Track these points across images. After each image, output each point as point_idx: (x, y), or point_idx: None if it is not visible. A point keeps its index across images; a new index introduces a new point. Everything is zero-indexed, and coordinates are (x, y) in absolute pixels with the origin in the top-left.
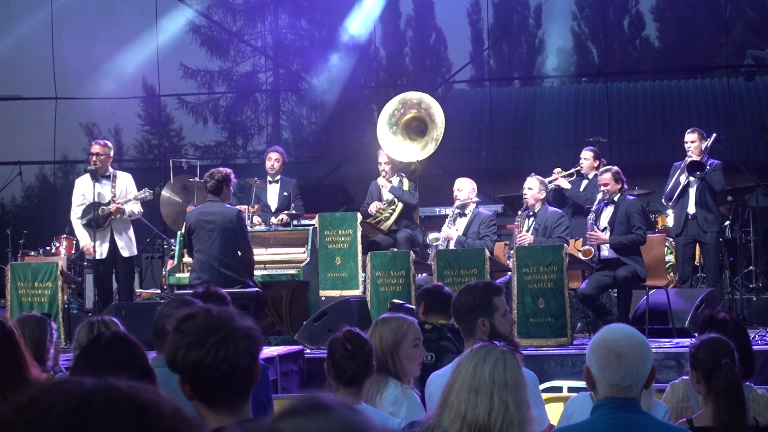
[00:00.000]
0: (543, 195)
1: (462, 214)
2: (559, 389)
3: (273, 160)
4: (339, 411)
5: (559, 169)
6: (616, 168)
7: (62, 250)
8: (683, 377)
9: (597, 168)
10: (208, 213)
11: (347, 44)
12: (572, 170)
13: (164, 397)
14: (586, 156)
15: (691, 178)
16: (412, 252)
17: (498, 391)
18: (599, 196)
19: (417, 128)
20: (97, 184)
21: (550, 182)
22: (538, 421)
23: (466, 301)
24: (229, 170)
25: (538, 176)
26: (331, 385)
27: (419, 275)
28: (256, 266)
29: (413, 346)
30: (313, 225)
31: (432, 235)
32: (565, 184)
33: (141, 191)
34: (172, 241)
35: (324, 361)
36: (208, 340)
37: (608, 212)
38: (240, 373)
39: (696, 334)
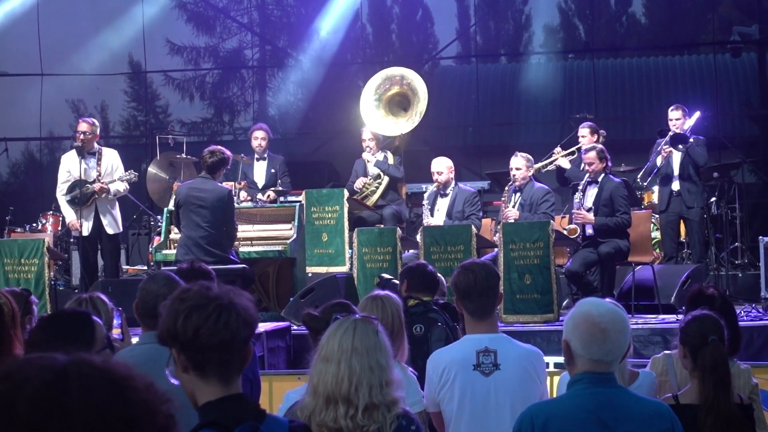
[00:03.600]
0: (531, 172)
1: (443, 194)
2: (546, 364)
3: (259, 139)
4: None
5: (559, 149)
6: (600, 146)
7: (48, 227)
8: (665, 351)
9: (597, 143)
10: (200, 190)
11: (333, 20)
12: (572, 149)
13: (137, 371)
14: (584, 133)
15: (674, 153)
16: (398, 228)
17: (345, 358)
18: (586, 175)
19: (400, 104)
20: (83, 161)
21: (550, 162)
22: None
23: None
24: (229, 153)
25: (522, 153)
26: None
27: (406, 251)
28: (243, 242)
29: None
30: (300, 201)
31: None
32: (565, 163)
33: (126, 173)
34: (159, 217)
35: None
36: (209, 305)
37: (593, 192)
38: (239, 342)
39: (683, 308)
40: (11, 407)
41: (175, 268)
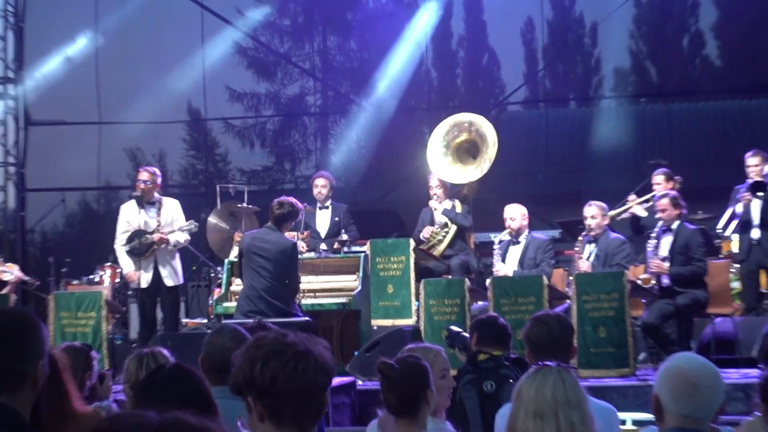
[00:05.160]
0: (606, 221)
1: (515, 242)
2: (622, 422)
3: (320, 186)
4: None
5: (633, 196)
6: (674, 192)
7: (106, 279)
8: (757, 413)
9: (672, 190)
10: (263, 240)
11: (397, 65)
12: (647, 196)
13: None
14: (658, 180)
15: (754, 201)
16: (467, 279)
17: (562, 411)
18: (659, 223)
19: (468, 151)
20: (142, 210)
21: (624, 210)
22: None
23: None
24: (300, 206)
25: (596, 202)
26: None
27: (475, 303)
28: (306, 294)
29: (441, 377)
30: (365, 252)
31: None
32: (641, 211)
33: (187, 223)
34: (219, 269)
35: (378, 393)
36: (287, 351)
37: (667, 240)
38: (316, 389)
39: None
40: None
41: (239, 321)
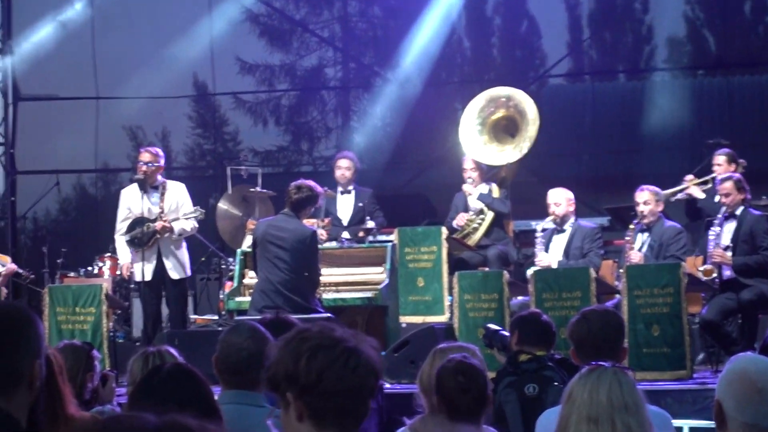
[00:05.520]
0: (660, 207)
1: (559, 230)
2: (678, 430)
3: (343, 168)
4: None
5: (691, 176)
6: (738, 175)
7: (106, 271)
8: None
9: (735, 173)
10: (280, 228)
11: (426, 34)
12: (707, 177)
13: None
14: (719, 161)
15: None
16: (505, 271)
17: (619, 416)
18: (722, 209)
19: (506, 128)
20: (144, 195)
21: (680, 190)
22: None
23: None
24: (320, 190)
25: (649, 187)
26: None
27: (514, 298)
28: (327, 288)
29: None
30: (392, 241)
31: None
32: (698, 193)
33: (193, 209)
34: (231, 260)
35: (407, 397)
36: (337, 346)
37: (730, 227)
38: (366, 391)
39: None
40: None
41: (258, 317)
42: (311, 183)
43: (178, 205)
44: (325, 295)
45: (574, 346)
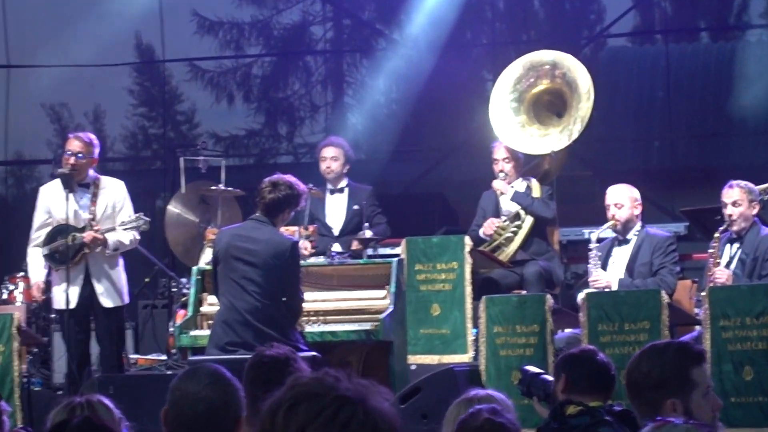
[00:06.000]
0: (755, 210)
1: (622, 240)
2: None
3: (329, 159)
4: None
5: None
6: None
7: (18, 296)
8: None
9: None
10: (250, 239)
11: None
12: None
13: None
14: None
15: None
16: (548, 295)
17: None
18: None
19: (551, 106)
20: (70, 196)
21: None
22: None
23: (650, 371)
24: (302, 187)
25: (740, 182)
26: None
27: (560, 331)
28: (311, 318)
29: None
30: (398, 255)
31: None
32: None
33: (135, 216)
34: (184, 281)
35: None
36: (326, 395)
37: None
38: None
39: None
40: None
41: (219, 357)
42: (291, 179)
43: (114, 210)
44: (308, 328)
45: (629, 393)
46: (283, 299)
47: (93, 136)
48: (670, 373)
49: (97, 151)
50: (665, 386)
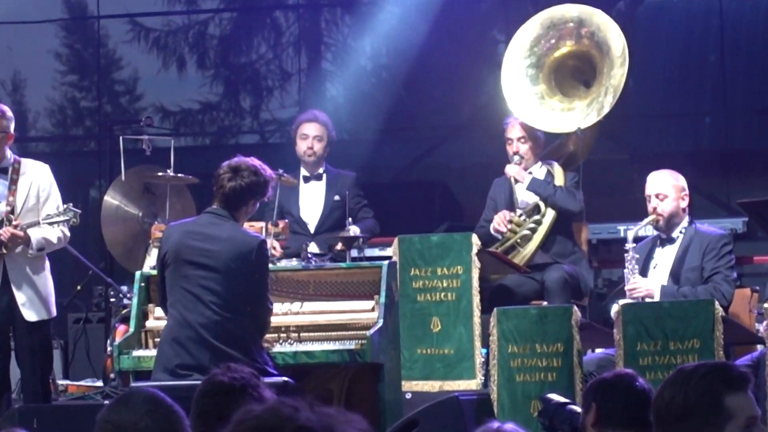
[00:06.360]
0: None
1: (665, 239)
2: None
3: (311, 138)
4: None
5: None
6: None
7: None
8: None
9: None
10: (205, 237)
11: None
12: None
13: None
14: None
15: None
16: (575, 307)
17: None
18: None
19: (576, 73)
20: None
21: None
22: None
23: (672, 399)
24: (269, 173)
25: None
26: None
27: (590, 351)
28: (282, 335)
29: None
30: (390, 258)
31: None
32: None
33: (62, 208)
34: (125, 289)
35: None
36: (283, 428)
37: None
38: None
39: None
40: None
41: (165, 383)
42: (255, 162)
43: (38, 200)
44: (279, 347)
45: (654, 426)
46: (247, 309)
47: (6, 108)
48: (697, 400)
49: (12, 125)
50: (690, 417)
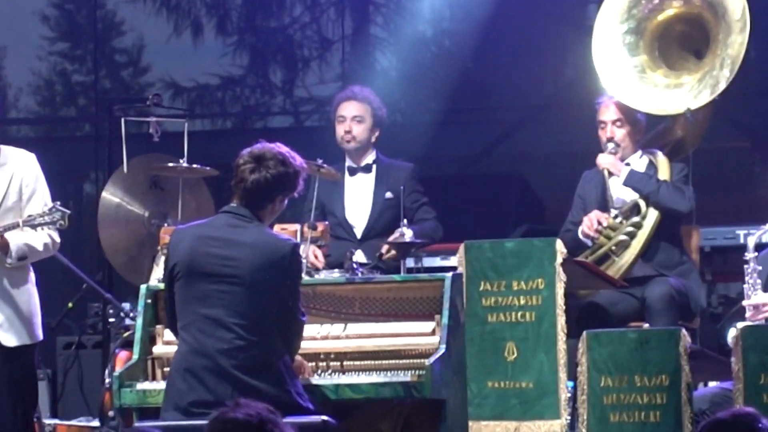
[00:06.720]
0: None
1: None
2: None
3: (349, 120)
4: None
5: None
6: None
7: None
8: None
9: None
10: (224, 243)
11: None
12: None
13: None
14: None
15: None
16: (683, 330)
17: None
18: None
19: (685, 41)
20: None
21: None
22: None
23: None
24: (300, 162)
25: None
26: None
27: (702, 385)
28: (321, 363)
29: None
30: (455, 269)
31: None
32: None
33: (49, 207)
34: (127, 307)
35: None
36: None
37: None
38: None
39: None
40: None
41: (179, 423)
42: (282, 149)
43: (20, 197)
44: (316, 379)
45: None
46: (275, 332)
47: None
48: None
49: None
50: None
